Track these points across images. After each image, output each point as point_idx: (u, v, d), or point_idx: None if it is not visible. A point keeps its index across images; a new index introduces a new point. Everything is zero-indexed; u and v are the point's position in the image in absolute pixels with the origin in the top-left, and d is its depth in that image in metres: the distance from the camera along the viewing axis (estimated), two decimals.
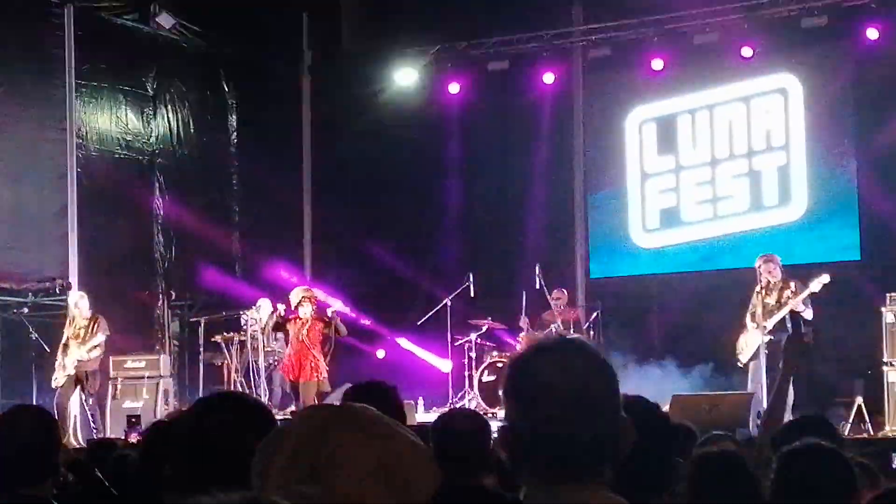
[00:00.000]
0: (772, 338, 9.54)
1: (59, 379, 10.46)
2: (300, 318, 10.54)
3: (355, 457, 1.36)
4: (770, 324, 9.55)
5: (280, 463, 1.39)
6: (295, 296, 10.71)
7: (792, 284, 9.56)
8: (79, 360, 10.43)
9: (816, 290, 9.47)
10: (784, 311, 9.53)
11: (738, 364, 9.85)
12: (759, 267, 9.72)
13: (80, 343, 10.44)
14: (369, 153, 13.31)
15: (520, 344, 11.28)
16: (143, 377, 11.16)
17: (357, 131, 13.32)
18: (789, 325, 9.62)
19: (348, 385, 11.78)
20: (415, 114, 13.10)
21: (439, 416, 3.58)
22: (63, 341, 10.53)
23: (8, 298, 11.01)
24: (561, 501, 1.57)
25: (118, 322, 11.83)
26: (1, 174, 11.05)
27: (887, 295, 9.57)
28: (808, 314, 9.60)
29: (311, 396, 10.26)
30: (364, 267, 12.90)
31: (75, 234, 11.49)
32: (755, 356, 9.60)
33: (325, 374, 10.54)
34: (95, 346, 10.45)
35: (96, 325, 10.47)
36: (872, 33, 11.31)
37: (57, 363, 10.61)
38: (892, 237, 11.26)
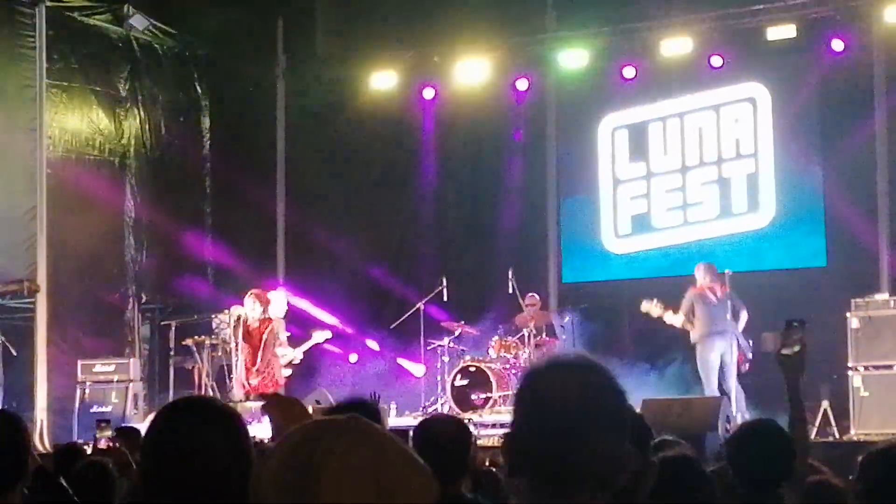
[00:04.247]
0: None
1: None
2: (245, 322, 10.24)
3: (349, 461, 1.38)
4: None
5: (273, 467, 1.40)
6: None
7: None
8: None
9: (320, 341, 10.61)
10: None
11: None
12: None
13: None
14: (343, 157, 13.31)
15: (492, 348, 11.32)
16: (112, 381, 11.10)
17: (331, 136, 13.31)
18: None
19: (322, 390, 11.72)
20: (388, 119, 13.08)
21: (421, 422, 3.60)
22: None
23: None
24: None
25: (87, 325, 11.74)
26: None
27: (852, 301, 9.78)
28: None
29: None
30: (337, 271, 12.88)
31: (44, 236, 11.32)
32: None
33: (281, 377, 10.32)
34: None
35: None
36: (838, 45, 11.47)
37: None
38: (857, 244, 11.43)
